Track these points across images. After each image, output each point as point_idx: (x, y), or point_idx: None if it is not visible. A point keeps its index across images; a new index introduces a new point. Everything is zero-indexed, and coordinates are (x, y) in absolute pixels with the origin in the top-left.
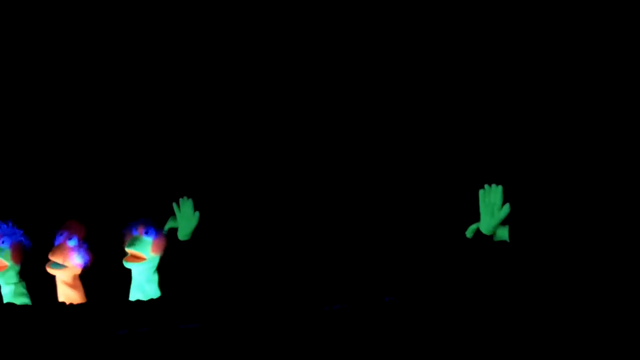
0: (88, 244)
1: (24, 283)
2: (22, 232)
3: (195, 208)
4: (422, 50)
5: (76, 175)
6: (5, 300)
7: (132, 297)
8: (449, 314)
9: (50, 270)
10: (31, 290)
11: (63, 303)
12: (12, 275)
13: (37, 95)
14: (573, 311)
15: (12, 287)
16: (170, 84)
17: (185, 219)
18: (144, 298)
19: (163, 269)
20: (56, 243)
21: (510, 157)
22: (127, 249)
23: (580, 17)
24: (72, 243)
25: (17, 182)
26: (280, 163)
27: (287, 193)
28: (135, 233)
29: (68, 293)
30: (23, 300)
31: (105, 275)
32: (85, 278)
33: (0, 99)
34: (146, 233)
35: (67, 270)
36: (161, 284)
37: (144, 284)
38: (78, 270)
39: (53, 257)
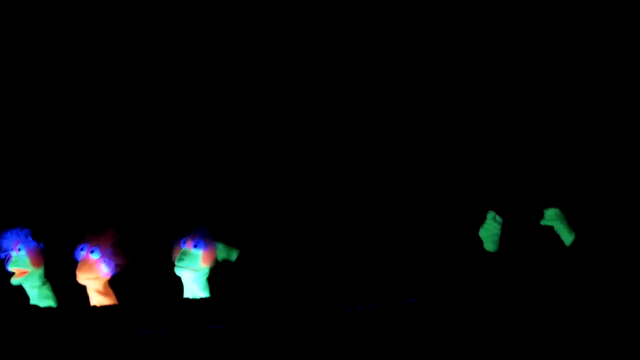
0: (112, 250)
1: (49, 285)
2: (31, 236)
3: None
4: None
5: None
6: (31, 302)
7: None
8: (470, 316)
9: (82, 282)
10: (60, 293)
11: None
12: (35, 279)
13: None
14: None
15: (37, 290)
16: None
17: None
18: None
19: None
20: (77, 257)
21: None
22: (176, 264)
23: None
24: (95, 256)
25: (23, 186)
26: (312, 173)
27: (313, 198)
28: (183, 246)
29: (100, 299)
30: (48, 302)
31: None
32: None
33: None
34: (195, 246)
35: (98, 279)
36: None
37: (197, 293)
38: (108, 277)
39: (81, 273)
